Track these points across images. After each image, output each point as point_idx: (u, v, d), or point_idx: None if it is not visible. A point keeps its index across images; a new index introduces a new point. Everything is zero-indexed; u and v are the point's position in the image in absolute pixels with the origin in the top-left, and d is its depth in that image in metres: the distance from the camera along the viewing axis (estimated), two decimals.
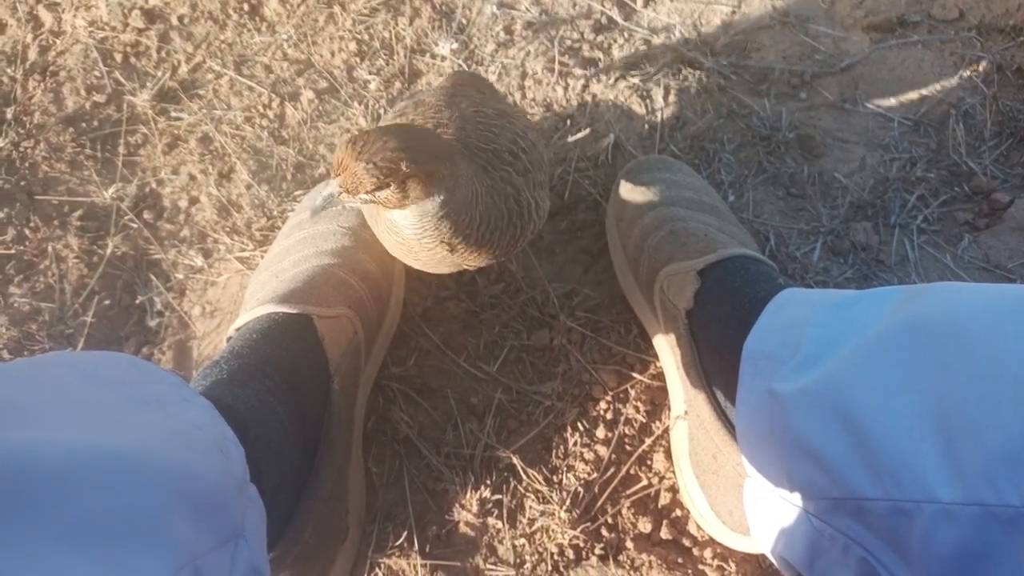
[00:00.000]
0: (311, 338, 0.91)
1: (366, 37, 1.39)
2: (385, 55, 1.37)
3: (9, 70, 1.34)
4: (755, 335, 0.85)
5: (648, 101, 1.33)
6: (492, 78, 1.35)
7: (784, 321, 0.83)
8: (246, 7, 1.40)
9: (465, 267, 0.89)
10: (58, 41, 1.38)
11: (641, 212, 1.12)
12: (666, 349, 1.06)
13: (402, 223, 0.78)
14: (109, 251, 1.18)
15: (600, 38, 1.41)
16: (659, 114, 1.32)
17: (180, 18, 1.39)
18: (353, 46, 1.37)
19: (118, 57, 1.35)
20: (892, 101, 1.35)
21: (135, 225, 1.21)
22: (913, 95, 1.36)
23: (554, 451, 1.06)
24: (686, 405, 1.00)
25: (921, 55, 1.39)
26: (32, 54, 1.37)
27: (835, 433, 0.65)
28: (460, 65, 1.36)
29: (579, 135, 1.28)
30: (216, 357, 0.86)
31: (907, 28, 1.42)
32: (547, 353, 1.13)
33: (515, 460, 1.04)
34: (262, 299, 0.96)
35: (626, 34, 1.42)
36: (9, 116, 1.29)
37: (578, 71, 1.36)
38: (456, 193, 0.77)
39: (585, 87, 1.34)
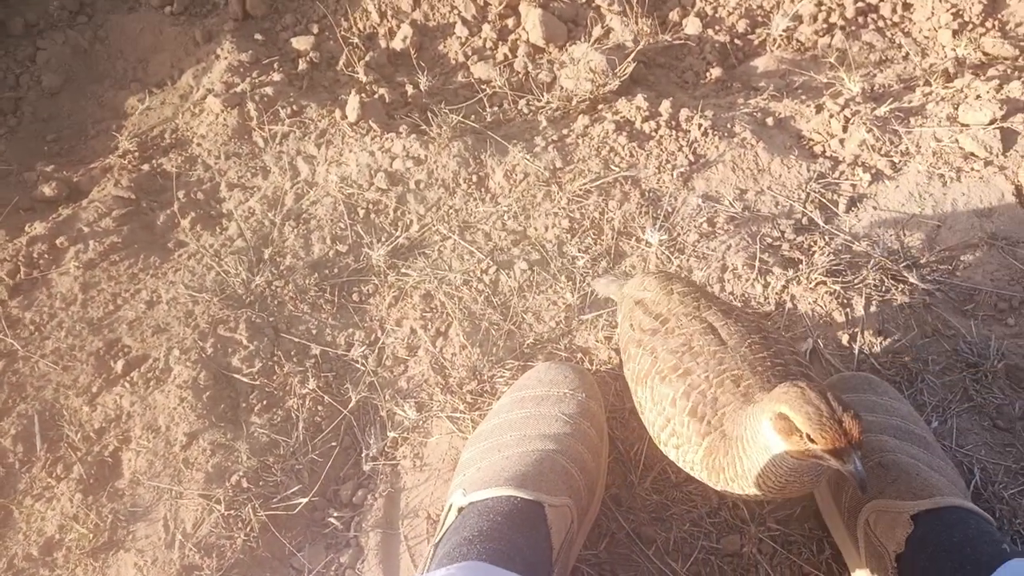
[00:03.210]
0: (542, 528, 0.97)
1: (578, 216, 1.51)
2: (594, 234, 1.49)
3: (270, 214, 1.55)
4: None
5: (849, 310, 1.36)
6: (696, 272, 1.43)
7: None
8: (475, 178, 1.57)
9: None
10: (312, 191, 1.59)
11: None
12: None
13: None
14: (341, 395, 1.31)
15: (801, 239, 1.47)
16: (860, 324, 1.34)
17: (417, 183, 1.57)
18: (566, 223, 1.50)
19: (361, 212, 1.54)
20: None
21: (362, 370, 1.34)
22: None
23: None
24: None
25: None
26: (289, 201, 1.58)
27: None
28: (665, 255, 1.45)
29: None
30: (467, 534, 0.93)
31: None
32: (736, 560, 1.14)
33: None
34: (491, 474, 1.03)
35: (827, 237, 1.47)
36: (266, 256, 1.49)
37: (778, 270, 1.41)
38: None
39: (785, 287, 1.39)
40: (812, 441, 0.83)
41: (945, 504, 0.99)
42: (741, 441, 0.92)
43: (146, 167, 1.66)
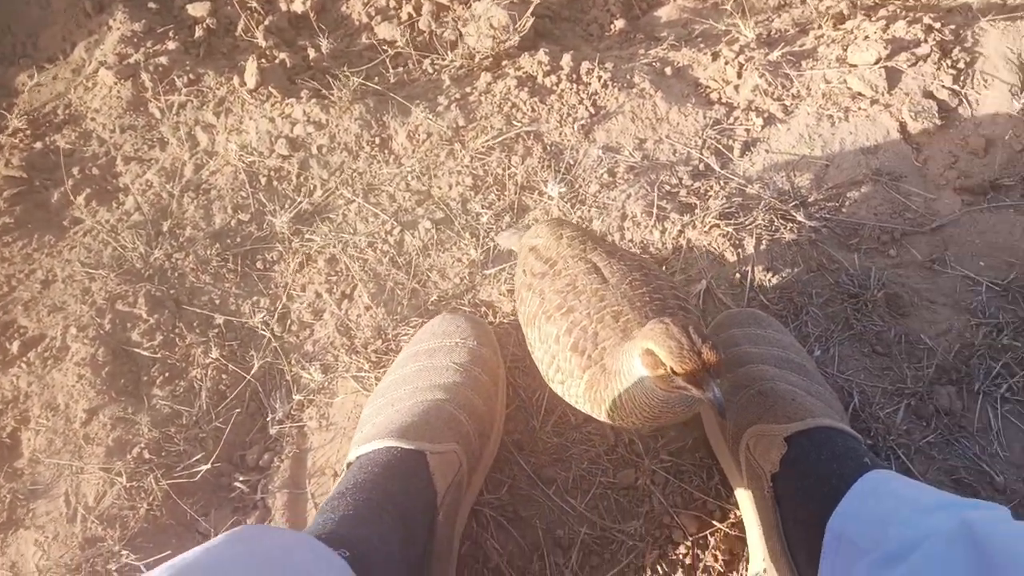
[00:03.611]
0: (423, 474, 1.00)
1: (481, 173, 1.52)
2: (497, 190, 1.50)
3: (168, 186, 1.53)
4: (839, 517, 0.90)
5: (740, 250, 1.41)
6: (596, 222, 1.46)
7: (869, 513, 0.88)
8: (378, 140, 1.57)
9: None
10: (211, 161, 1.57)
11: (730, 367, 1.18)
12: (748, 504, 1.10)
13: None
14: (245, 362, 1.31)
15: (697, 184, 1.51)
16: (750, 263, 1.39)
17: (319, 148, 1.56)
18: (469, 180, 1.51)
19: (263, 180, 1.53)
20: (981, 264, 1.39)
21: (266, 336, 1.34)
22: (1003, 260, 1.39)
23: None
24: (765, 564, 1.04)
25: (1013, 220, 1.43)
26: (188, 172, 1.56)
27: None
28: (566, 207, 1.47)
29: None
30: (342, 487, 0.96)
31: (1000, 192, 1.47)
32: (632, 492, 1.19)
33: None
34: (380, 428, 1.06)
35: (722, 182, 1.51)
36: (165, 229, 1.47)
37: (675, 216, 1.45)
38: None
39: (681, 232, 1.43)
40: (675, 373, 0.87)
41: (815, 425, 1.04)
42: (618, 375, 0.96)
43: (39, 145, 1.61)
